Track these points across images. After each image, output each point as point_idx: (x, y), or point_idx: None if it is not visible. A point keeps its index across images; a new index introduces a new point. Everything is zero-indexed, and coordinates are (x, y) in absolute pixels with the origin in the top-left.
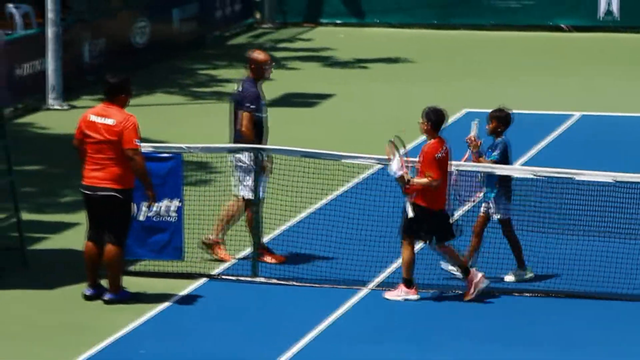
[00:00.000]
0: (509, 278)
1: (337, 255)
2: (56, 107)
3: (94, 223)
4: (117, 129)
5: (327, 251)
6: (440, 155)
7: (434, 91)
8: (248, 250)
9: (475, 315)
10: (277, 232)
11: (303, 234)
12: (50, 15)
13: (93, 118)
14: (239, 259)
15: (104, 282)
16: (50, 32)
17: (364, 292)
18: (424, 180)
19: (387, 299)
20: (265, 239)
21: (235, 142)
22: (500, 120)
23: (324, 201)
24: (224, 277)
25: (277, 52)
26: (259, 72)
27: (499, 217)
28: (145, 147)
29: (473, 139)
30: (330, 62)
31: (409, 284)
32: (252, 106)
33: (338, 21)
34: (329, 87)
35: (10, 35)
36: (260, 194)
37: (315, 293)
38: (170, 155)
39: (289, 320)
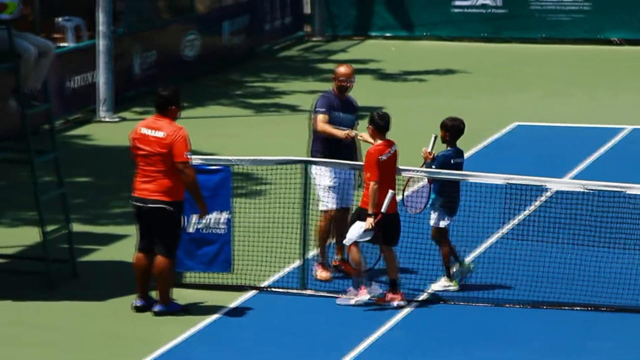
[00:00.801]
0: (435, 287)
1: (384, 269)
2: (106, 119)
3: (144, 235)
4: (167, 142)
5: (375, 265)
6: (384, 157)
7: (485, 104)
8: (297, 263)
9: (508, 325)
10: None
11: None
12: (101, 27)
13: (144, 130)
14: (288, 272)
15: (154, 294)
16: (101, 44)
17: (412, 305)
18: (370, 189)
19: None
20: (315, 251)
21: (312, 157)
22: (447, 129)
23: None
24: (272, 289)
25: (326, 64)
26: (337, 85)
27: (431, 223)
28: (195, 160)
29: (425, 151)
30: (380, 75)
31: (357, 285)
32: (320, 109)
33: (387, 34)
34: (378, 100)
35: (61, 47)
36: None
37: (364, 306)
38: (220, 167)
39: (337, 333)
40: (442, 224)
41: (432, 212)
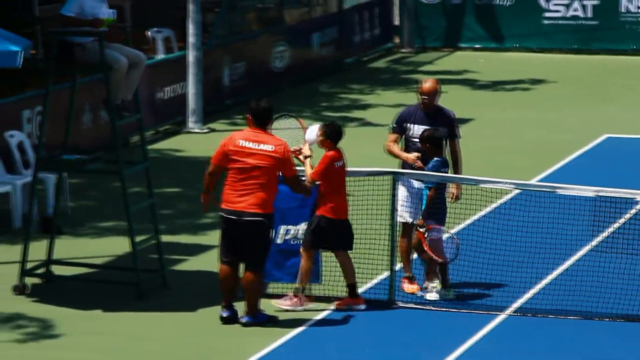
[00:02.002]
0: (432, 296)
1: (474, 280)
2: (196, 130)
3: (232, 247)
4: (275, 155)
5: (464, 276)
6: (339, 164)
7: (574, 116)
8: (385, 274)
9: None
10: (414, 255)
11: None
12: (191, 39)
13: (244, 143)
14: (376, 283)
15: (237, 304)
16: (191, 56)
17: (501, 317)
18: (308, 170)
19: (284, 309)
20: (400, 264)
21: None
22: (427, 141)
23: (461, 225)
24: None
25: (414, 76)
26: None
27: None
28: None
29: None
30: (469, 87)
31: (297, 291)
32: (392, 125)
33: (477, 45)
34: (467, 112)
35: (152, 59)
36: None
37: (453, 318)
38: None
39: (425, 346)
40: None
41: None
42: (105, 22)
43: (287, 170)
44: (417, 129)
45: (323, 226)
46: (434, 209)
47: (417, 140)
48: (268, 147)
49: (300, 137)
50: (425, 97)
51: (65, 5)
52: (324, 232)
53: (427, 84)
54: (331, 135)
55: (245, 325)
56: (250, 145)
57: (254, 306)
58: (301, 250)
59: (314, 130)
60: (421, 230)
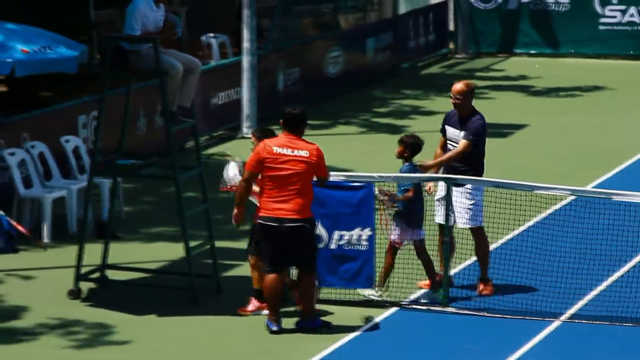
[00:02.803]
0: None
1: (528, 286)
2: (250, 135)
3: (276, 255)
4: (310, 160)
5: (518, 282)
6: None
7: (630, 122)
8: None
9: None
10: (468, 262)
11: (495, 265)
12: (246, 44)
13: (279, 150)
14: (430, 289)
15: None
16: (245, 61)
17: (556, 324)
18: (256, 189)
19: (243, 314)
20: (457, 269)
21: None
22: (407, 145)
23: (516, 232)
24: (414, 306)
25: (470, 80)
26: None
27: (410, 239)
28: (337, 176)
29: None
30: (524, 93)
31: (260, 296)
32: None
33: (532, 51)
34: (522, 118)
35: (207, 64)
36: (451, 221)
37: (507, 324)
38: (362, 184)
39: (479, 352)
40: (423, 234)
41: (403, 228)
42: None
43: (322, 172)
44: (451, 132)
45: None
46: (409, 209)
47: (452, 143)
48: (303, 153)
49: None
50: (454, 98)
51: (126, 23)
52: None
53: (457, 85)
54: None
55: (301, 330)
56: (286, 151)
57: (310, 311)
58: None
59: (233, 170)
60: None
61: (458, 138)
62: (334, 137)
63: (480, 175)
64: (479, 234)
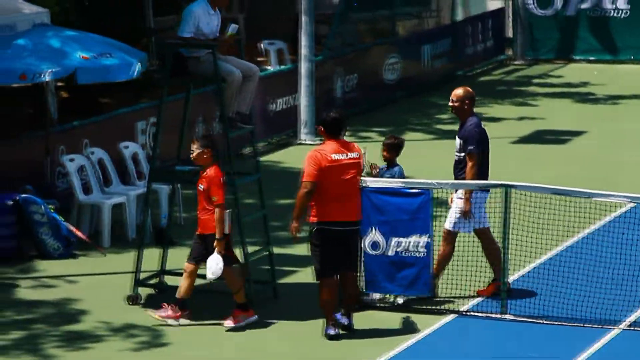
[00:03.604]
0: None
1: (587, 294)
2: (308, 142)
3: (334, 259)
4: (360, 161)
5: (577, 289)
6: (223, 179)
7: None
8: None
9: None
10: (526, 269)
11: (553, 272)
12: (303, 51)
13: (337, 157)
14: (488, 296)
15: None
16: (303, 67)
17: (615, 331)
18: (218, 213)
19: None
20: (515, 276)
21: None
22: (392, 147)
23: (574, 239)
24: (472, 313)
25: (528, 87)
26: None
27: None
28: (396, 183)
29: (373, 166)
30: (583, 99)
31: (183, 305)
32: None
33: (591, 58)
34: (581, 124)
35: (265, 71)
36: (479, 224)
37: (565, 332)
38: (420, 190)
39: (539, 359)
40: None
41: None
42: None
43: (359, 172)
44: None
45: (210, 243)
46: None
47: (456, 152)
48: (354, 155)
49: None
50: (450, 101)
51: (180, 26)
52: (208, 248)
53: (457, 89)
54: (215, 149)
55: (349, 328)
56: (342, 157)
57: (352, 309)
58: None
59: (215, 265)
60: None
61: (457, 146)
62: None
63: (485, 178)
64: (483, 236)
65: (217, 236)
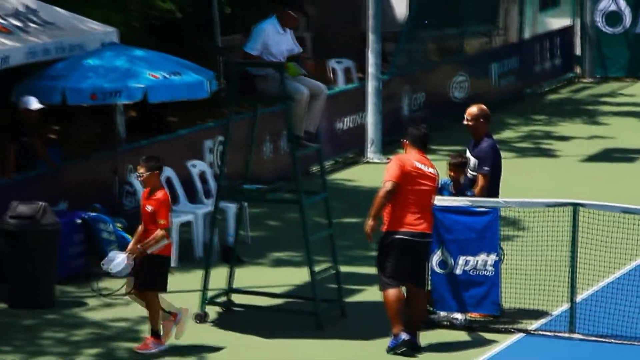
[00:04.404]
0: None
1: None
2: (375, 160)
3: (402, 270)
4: (437, 178)
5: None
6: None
7: None
8: (565, 306)
9: None
10: (595, 288)
11: (622, 291)
12: (371, 69)
13: (421, 166)
14: (556, 315)
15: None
16: (370, 86)
17: None
18: (160, 234)
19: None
20: (583, 294)
21: None
22: (458, 166)
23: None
24: (540, 332)
25: (597, 106)
26: None
27: None
28: (463, 202)
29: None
30: None
31: (157, 335)
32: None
33: None
34: None
35: (332, 89)
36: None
37: (634, 351)
38: (488, 209)
39: None
40: None
41: None
42: (290, 69)
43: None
44: (471, 159)
45: (156, 266)
46: None
47: (469, 171)
48: (433, 171)
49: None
50: (465, 120)
51: (248, 42)
52: (154, 271)
53: (471, 107)
54: (159, 169)
55: (415, 346)
56: (425, 168)
57: (419, 327)
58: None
59: (118, 261)
60: None
61: (471, 165)
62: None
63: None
64: None
65: (144, 248)
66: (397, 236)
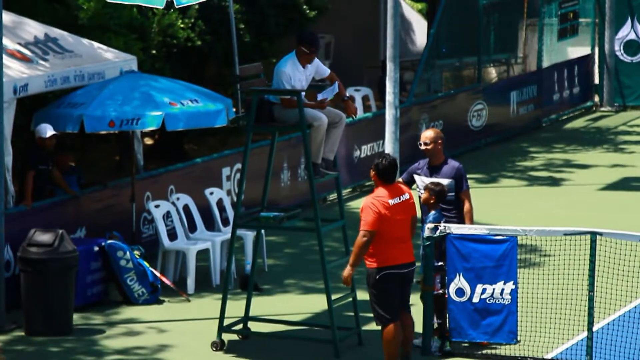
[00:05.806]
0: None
1: None
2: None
3: (397, 301)
4: (412, 201)
5: None
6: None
7: None
8: (583, 334)
9: None
10: (612, 317)
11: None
12: (389, 97)
13: (394, 201)
14: (573, 344)
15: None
16: (388, 114)
17: None
18: None
19: None
20: (600, 324)
21: None
22: (434, 193)
23: None
24: None
25: (615, 135)
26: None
27: None
28: (480, 229)
29: None
30: None
31: None
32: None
33: None
34: None
35: (350, 117)
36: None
37: None
38: (505, 237)
39: None
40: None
41: None
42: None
43: (415, 212)
44: (421, 180)
45: None
46: None
47: (422, 190)
48: (407, 196)
49: None
50: (423, 144)
51: (274, 85)
52: None
53: (426, 131)
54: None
55: None
56: (397, 200)
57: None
58: None
59: None
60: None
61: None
62: (477, 190)
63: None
64: None
65: None
66: (391, 271)
